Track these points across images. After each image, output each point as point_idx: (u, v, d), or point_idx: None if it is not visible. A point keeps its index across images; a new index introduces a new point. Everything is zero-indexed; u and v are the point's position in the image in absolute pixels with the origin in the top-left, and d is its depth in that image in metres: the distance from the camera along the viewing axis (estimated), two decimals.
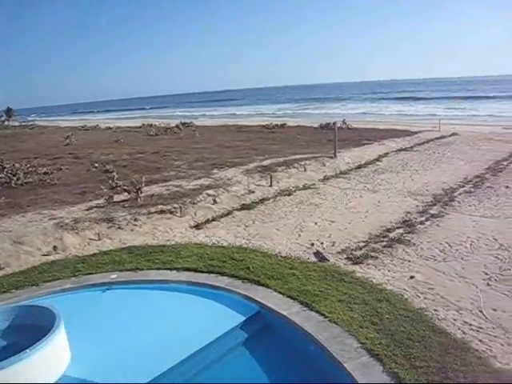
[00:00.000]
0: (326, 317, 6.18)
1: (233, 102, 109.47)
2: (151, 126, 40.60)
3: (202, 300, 7.15)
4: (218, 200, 12.46)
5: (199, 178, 14.86)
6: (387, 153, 19.78)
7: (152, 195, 12.66)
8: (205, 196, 12.60)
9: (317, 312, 6.33)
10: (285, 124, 34.57)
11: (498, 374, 4.94)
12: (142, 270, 8.11)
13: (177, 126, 35.57)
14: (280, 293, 6.94)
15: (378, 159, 18.34)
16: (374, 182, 14.63)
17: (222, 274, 7.72)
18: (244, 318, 6.51)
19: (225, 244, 9.42)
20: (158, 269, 8.13)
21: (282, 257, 8.53)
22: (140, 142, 27.52)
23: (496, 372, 4.98)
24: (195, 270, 7.95)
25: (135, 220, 10.74)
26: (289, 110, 66.63)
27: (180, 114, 72.34)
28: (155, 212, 11.31)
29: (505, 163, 16.71)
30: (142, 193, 12.35)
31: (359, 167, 16.97)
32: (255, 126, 35.02)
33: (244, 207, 12.09)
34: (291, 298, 6.77)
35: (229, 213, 11.67)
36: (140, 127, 41.11)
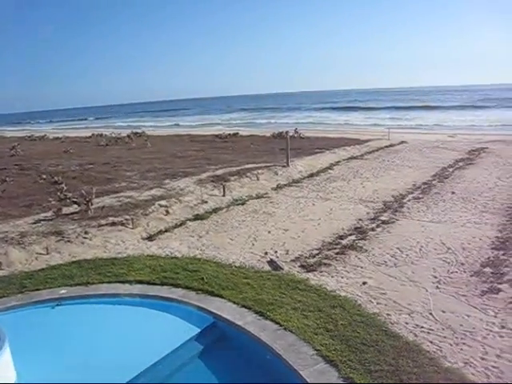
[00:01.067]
0: (281, 325, 6.17)
1: (184, 111, 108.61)
2: (101, 135, 39.70)
3: (155, 313, 6.99)
4: (170, 211, 12.29)
5: (151, 188, 14.63)
6: (339, 161, 20.16)
7: (103, 207, 12.35)
8: (157, 207, 12.40)
9: (272, 321, 6.31)
10: (237, 133, 34.63)
11: (447, 374, 5.10)
12: (93, 283, 7.85)
13: (128, 136, 34.94)
14: (234, 303, 6.89)
15: (329, 167, 18.65)
16: (327, 190, 14.85)
17: (176, 286, 7.59)
18: (199, 330, 6.42)
19: (178, 255, 9.29)
20: (110, 282, 7.89)
21: (236, 267, 8.48)
22: (90, 153, 26.87)
23: (446, 371, 5.15)
24: (148, 283, 7.78)
25: (85, 233, 10.43)
26: (241, 120, 66.79)
27: (128, 124, 70.13)
28: (106, 224, 11.03)
29: (450, 170, 17.35)
30: (92, 205, 12.03)
31: (311, 175, 17.19)
32: (208, 136, 34.94)
33: (197, 217, 11.98)
34: (246, 307, 6.73)
35: (182, 223, 11.53)
36: (90, 137, 40.15)
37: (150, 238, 10.53)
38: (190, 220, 11.81)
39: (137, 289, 7.61)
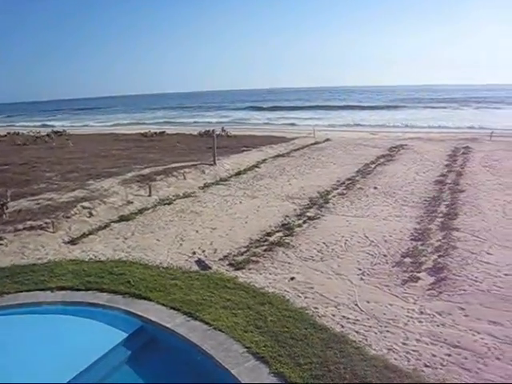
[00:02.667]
0: (210, 325, 6.15)
1: (107, 109, 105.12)
2: (18, 134, 37.61)
3: (79, 320, 6.69)
4: (94, 212, 11.87)
5: (73, 190, 14.04)
6: (265, 159, 20.37)
7: (20, 210, 11.69)
8: (80, 209, 11.92)
9: (201, 321, 6.27)
10: (164, 132, 34.08)
11: (372, 361, 5.33)
12: (9, 293, 7.39)
13: (48, 135, 33.32)
14: (163, 305, 6.77)
15: (256, 165, 18.80)
16: (254, 187, 14.96)
17: (101, 291, 7.33)
18: (126, 335, 6.22)
19: (103, 258, 8.97)
20: (29, 290, 7.45)
21: (163, 268, 8.33)
22: (5, 153, 25.30)
23: (371, 359, 5.37)
24: (71, 289, 7.45)
25: (0, 239, 9.83)
26: (167, 118, 65.60)
27: (35, 124, 64.31)
28: (24, 229, 10.44)
29: (373, 166, 18.04)
30: (7, 208, 11.35)
31: (239, 174, 17.24)
32: (133, 135, 34.10)
33: (122, 219, 11.64)
34: (174, 309, 6.63)
35: (106, 225, 11.16)
36: (5, 136, 37.86)
37: (73, 241, 10.09)
38: (114, 222, 11.45)
39: (59, 296, 7.27)
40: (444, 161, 19.07)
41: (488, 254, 8.71)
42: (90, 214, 11.74)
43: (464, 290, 7.24)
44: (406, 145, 24.25)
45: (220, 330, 6.02)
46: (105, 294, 7.25)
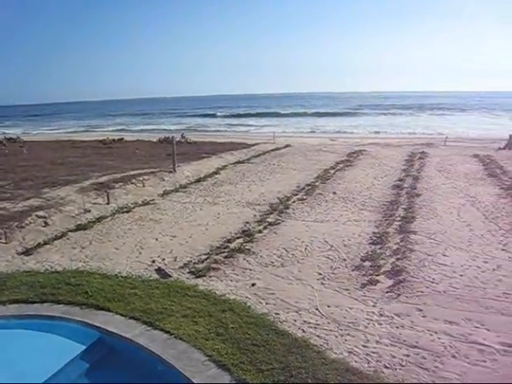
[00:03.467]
0: (171, 334, 6.07)
1: (65, 115, 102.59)
2: None
3: (34, 334, 6.47)
4: (49, 222, 11.53)
5: (28, 198, 13.60)
6: (225, 165, 20.33)
7: None
8: (34, 218, 11.55)
9: (161, 330, 6.18)
10: (122, 139, 33.56)
11: (333, 364, 5.40)
12: None
13: (0, 142, 32.23)
14: (122, 315, 6.63)
15: (216, 172, 18.73)
16: (214, 194, 14.90)
17: (57, 302, 7.11)
18: (84, 347, 6.07)
19: (59, 269, 8.71)
20: None
21: (122, 277, 8.16)
22: None
23: (333, 362, 5.44)
24: (25, 301, 7.18)
25: None
26: (127, 125, 64.64)
27: None
28: None
29: (332, 171, 18.30)
30: None
31: (199, 180, 17.13)
32: (91, 141, 33.39)
33: (79, 228, 11.35)
34: (134, 318, 6.51)
35: (63, 235, 10.85)
36: None
37: (27, 252, 9.76)
38: (71, 231, 11.15)
39: (12, 309, 7.00)
40: (401, 165, 19.57)
41: (444, 255, 8.97)
42: (46, 224, 11.40)
43: (421, 292, 7.43)
44: (364, 150, 24.75)
45: (181, 339, 5.95)
46: (61, 305, 7.03)
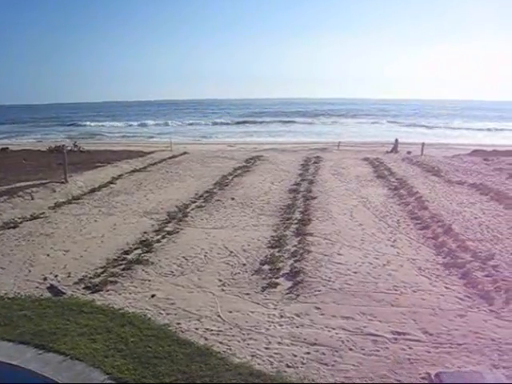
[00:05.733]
0: (66, 355, 5.75)
1: None
2: None
3: None
4: None
5: None
6: (121, 174, 19.68)
7: None
8: None
9: (56, 352, 5.83)
10: (7, 148, 31.19)
11: (237, 369, 5.46)
12: None
13: None
14: (9, 340, 6.13)
15: (112, 181, 18.04)
16: (109, 204, 14.35)
17: None
18: None
19: None
20: None
21: (9, 299, 7.53)
22: None
23: (236, 367, 5.49)
24: None
25: None
26: (12, 132, 60.22)
27: None
28: None
29: (230, 177, 18.46)
30: None
31: (93, 191, 16.39)
32: None
33: None
34: (24, 343, 6.06)
35: None
36: None
37: None
38: None
39: None
40: (297, 170, 20.28)
41: (339, 254, 9.41)
42: None
43: (319, 291, 7.73)
44: (261, 156, 25.28)
45: (78, 359, 5.66)
46: None
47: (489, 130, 54.93)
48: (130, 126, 68.42)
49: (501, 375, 5.10)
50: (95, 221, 12.46)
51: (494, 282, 7.95)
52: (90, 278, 8.42)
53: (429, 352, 5.92)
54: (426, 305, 7.20)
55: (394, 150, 27.21)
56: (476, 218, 12.04)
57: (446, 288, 7.82)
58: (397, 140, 27.92)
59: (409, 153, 25.88)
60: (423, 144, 26.05)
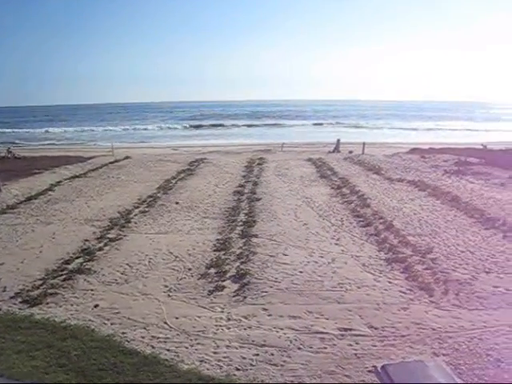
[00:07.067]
0: (1, 376, 5.45)
1: None
2: None
3: None
4: None
5: None
6: (60, 181, 18.95)
7: None
8: None
9: None
10: None
11: (186, 375, 5.40)
12: None
13: None
14: None
15: (50, 189, 17.32)
16: (48, 213, 13.76)
17: None
18: None
19: None
20: None
21: None
22: None
23: (185, 374, 5.43)
24: None
25: None
26: None
27: None
28: None
29: (174, 181, 18.20)
30: None
31: (30, 199, 15.66)
32: None
33: None
34: None
35: None
36: None
37: None
38: None
39: None
40: (241, 172, 20.26)
41: (284, 255, 9.47)
42: None
43: (266, 292, 7.74)
44: (205, 158, 25.07)
45: (16, 379, 5.38)
46: None
47: (429, 129, 56.91)
48: (76, 131, 66.02)
49: (441, 362, 5.30)
50: (32, 230, 11.90)
51: (434, 274, 8.26)
52: (28, 290, 8.03)
53: (374, 346, 6.06)
54: (371, 300, 7.37)
55: (336, 149, 27.74)
56: (415, 213, 12.46)
57: (389, 283, 8.04)
58: (338, 140, 28.47)
59: (350, 152, 26.45)
60: (364, 143, 26.69)
